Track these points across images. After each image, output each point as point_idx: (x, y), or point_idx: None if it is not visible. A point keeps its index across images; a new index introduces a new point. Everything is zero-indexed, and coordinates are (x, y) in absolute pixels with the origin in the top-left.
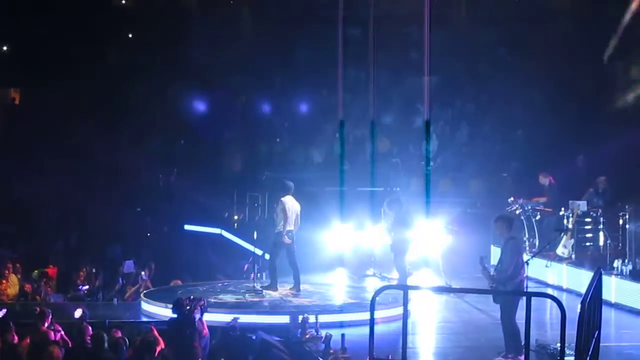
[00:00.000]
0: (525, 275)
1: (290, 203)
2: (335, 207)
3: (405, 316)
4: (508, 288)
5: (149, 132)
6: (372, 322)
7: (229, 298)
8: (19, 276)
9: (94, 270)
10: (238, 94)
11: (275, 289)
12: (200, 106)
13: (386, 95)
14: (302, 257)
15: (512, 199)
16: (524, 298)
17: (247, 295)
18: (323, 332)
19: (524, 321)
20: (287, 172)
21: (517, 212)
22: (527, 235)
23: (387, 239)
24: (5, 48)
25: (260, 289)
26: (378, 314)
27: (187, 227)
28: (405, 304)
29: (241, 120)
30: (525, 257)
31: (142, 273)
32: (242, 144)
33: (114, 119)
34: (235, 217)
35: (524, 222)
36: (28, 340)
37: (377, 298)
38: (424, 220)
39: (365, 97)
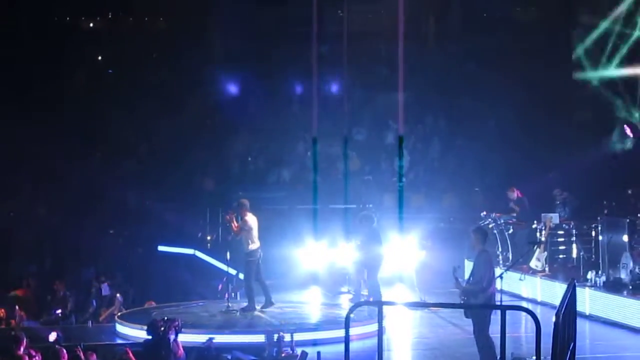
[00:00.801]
0: (495, 288)
1: (252, 220)
2: (308, 225)
3: (380, 332)
4: (479, 301)
5: (120, 154)
6: (347, 339)
7: (203, 318)
8: None
9: (67, 293)
10: (208, 113)
11: (254, 310)
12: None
13: (358, 112)
14: (275, 275)
15: (484, 213)
16: (497, 312)
17: (221, 314)
18: (299, 350)
19: (499, 335)
20: (259, 190)
21: (490, 225)
22: (500, 249)
23: (357, 256)
24: None
25: (238, 310)
26: (353, 331)
27: (160, 248)
28: (380, 320)
29: (212, 139)
30: (499, 270)
31: (118, 295)
32: (214, 162)
33: (86, 142)
34: (208, 238)
35: (497, 235)
36: None
37: (351, 315)
38: (398, 235)
39: (338, 114)
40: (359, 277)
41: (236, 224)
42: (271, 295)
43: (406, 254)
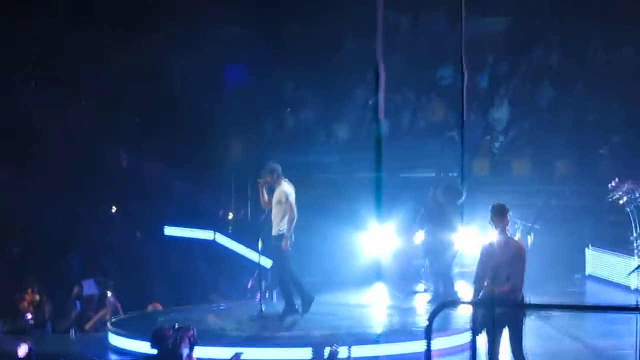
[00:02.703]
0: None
1: (290, 192)
2: (370, 201)
3: (473, 347)
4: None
5: (113, 103)
6: (428, 356)
7: (228, 326)
8: None
9: (42, 292)
10: (235, 48)
11: (295, 314)
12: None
13: (440, 44)
14: (325, 269)
15: (614, 183)
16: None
17: (252, 321)
18: None
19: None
20: (303, 154)
21: (622, 201)
22: (636, 232)
23: (424, 239)
24: None
25: (274, 316)
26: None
27: (168, 231)
28: (475, 330)
29: (239, 87)
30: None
31: (110, 295)
32: (242, 118)
33: (68, 86)
34: (231, 217)
35: (632, 214)
36: None
37: (433, 322)
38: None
39: (409, 45)
40: (440, 271)
41: (266, 197)
42: (307, 290)
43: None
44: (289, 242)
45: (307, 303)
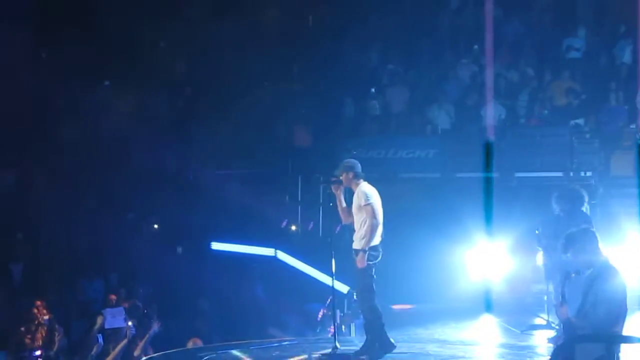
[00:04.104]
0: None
1: (372, 195)
2: (477, 209)
3: None
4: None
5: (147, 83)
6: None
7: None
8: None
9: (54, 322)
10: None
11: (379, 354)
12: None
13: (567, 4)
14: (421, 295)
15: None
16: None
17: None
18: None
19: None
20: (390, 147)
21: None
22: None
23: (544, 259)
24: None
25: (352, 355)
26: None
27: (216, 246)
28: None
29: (312, 59)
30: None
31: (130, 324)
32: (313, 100)
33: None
34: (294, 228)
35: None
36: None
37: None
38: (637, 227)
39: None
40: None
41: (343, 204)
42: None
43: None
44: (366, 258)
45: (384, 349)
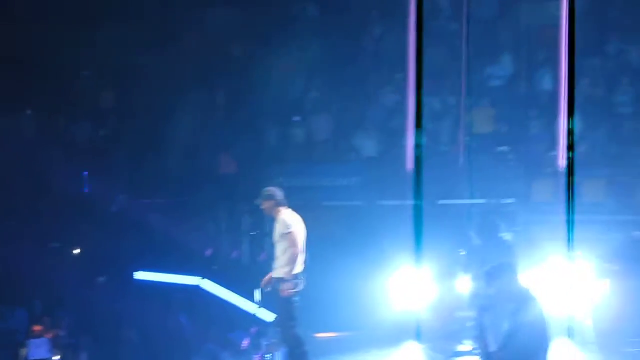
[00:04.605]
0: None
1: (293, 223)
2: (401, 236)
3: None
4: None
5: (68, 112)
6: None
7: None
8: None
9: None
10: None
11: None
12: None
13: (490, 34)
14: (345, 323)
15: None
16: None
17: None
18: None
19: None
20: (314, 175)
21: None
22: None
23: (470, 289)
24: None
25: None
26: None
27: (139, 275)
28: None
29: (236, 87)
30: None
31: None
32: (237, 128)
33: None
34: (221, 256)
35: None
36: None
37: None
38: (560, 253)
39: (451, 35)
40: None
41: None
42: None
43: (576, 285)
44: (288, 287)
45: None
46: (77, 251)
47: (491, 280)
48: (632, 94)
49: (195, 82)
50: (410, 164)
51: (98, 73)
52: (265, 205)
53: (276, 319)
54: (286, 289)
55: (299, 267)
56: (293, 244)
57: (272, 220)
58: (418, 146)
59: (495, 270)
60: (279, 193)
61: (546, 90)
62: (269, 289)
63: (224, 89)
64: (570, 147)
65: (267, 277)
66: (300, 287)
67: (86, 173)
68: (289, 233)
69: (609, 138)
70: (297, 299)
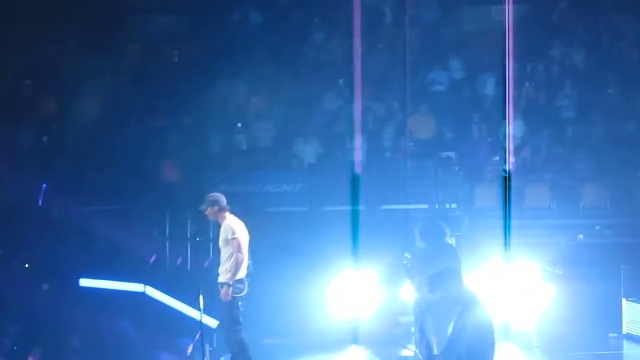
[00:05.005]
0: None
1: (237, 228)
2: (343, 242)
3: None
4: None
5: (9, 114)
6: None
7: None
8: None
9: None
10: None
11: None
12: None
13: (432, 39)
14: (288, 327)
15: None
16: None
17: None
18: None
19: None
20: (257, 181)
21: None
22: None
23: (413, 296)
24: None
25: None
26: None
27: (84, 282)
28: None
29: (178, 93)
30: None
31: None
32: (180, 135)
33: None
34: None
35: None
36: None
37: None
38: (501, 258)
39: (393, 40)
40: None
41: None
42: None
43: (519, 289)
44: (231, 290)
45: None
46: (21, 258)
47: (434, 286)
48: (575, 98)
49: (137, 89)
50: (353, 169)
51: (40, 81)
52: (209, 211)
53: (220, 323)
54: (229, 294)
55: (242, 272)
56: (238, 249)
57: (217, 225)
58: (360, 151)
59: (438, 276)
60: (222, 199)
61: (488, 95)
62: (229, 298)
63: (166, 95)
64: (510, 152)
65: (223, 291)
66: (244, 292)
67: (45, 185)
68: (234, 239)
69: (551, 142)
70: (241, 303)
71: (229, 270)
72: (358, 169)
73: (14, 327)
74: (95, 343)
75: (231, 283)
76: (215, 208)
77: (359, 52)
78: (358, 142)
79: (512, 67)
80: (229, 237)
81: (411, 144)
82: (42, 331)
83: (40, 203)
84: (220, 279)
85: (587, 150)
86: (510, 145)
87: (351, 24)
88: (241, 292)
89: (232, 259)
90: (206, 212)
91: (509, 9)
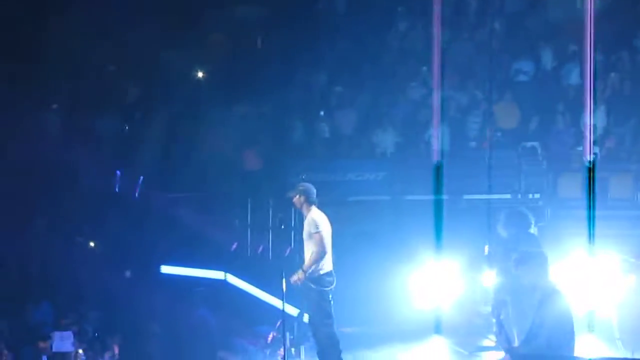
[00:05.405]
0: None
1: (321, 222)
2: (425, 231)
3: None
4: None
5: (91, 103)
6: None
7: None
8: None
9: (2, 351)
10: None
11: None
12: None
13: (518, 28)
14: (369, 317)
15: None
16: None
17: None
18: None
19: None
20: (340, 170)
21: None
22: None
23: (494, 281)
24: None
25: None
26: None
27: (165, 269)
28: None
29: (261, 81)
30: None
31: (80, 352)
32: (263, 121)
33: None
34: (246, 251)
35: None
36: None
37: None
38: (584, 248)
39: (478, 29)
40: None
41: None
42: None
43: (601, 281)
44: (303, 277)
45: None
46: (103, 245)
47: (523, 263)
48: None
49: (221, 76)
50: (436, 158)
51: (124, 68)
52: (296, 199)
53: (310, 318)
54: (301, 279)
55: (328, 265)
56: (320, 244)
57: (299, 215)
58: (440, 140)
59: (526, 256)
60: (312, 191)
61: (573, 85)
62: (298, 283)
63: (250, 83)
64: (594, 142)
65: (295, 275)
66: (334, 285)
67: (119, 172)
68: (317, 233)
69: (636, 133)
70: (331, 296)
71: (312, 265)
72: (436, 158)
73: (94, 313)
74: (175, 330)
75: (307, 269)
76: (303, 198)
77: (439, 41)
78: (436, 130)
79: (596, 57)
80: (312, 230)
81: (499, 134)
82: (123, 317)
83: (116, 190)
84: (310, 274)
85: None
86: (591, 136)
87: (435, 13)
88: (330, 285)
89: (313, 253)
90: (293, 200)
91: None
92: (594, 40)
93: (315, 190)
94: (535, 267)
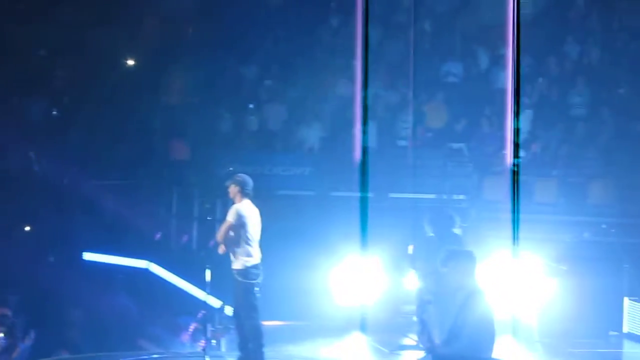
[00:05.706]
0: None
1: (250, 213)
2: (350, 227)
3: None
4: None
5: (20, 85)
6: None
7: None
8: None
9: None
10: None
11: None
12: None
13: (447, 29)
14: (292, 312)
15: None
16: None
17: None
18: None
19: None
20: (266, 163)
21: None
22: None
23: (420, 283)
24: None
25: None
26: None
27: (88, 256)
28: None
29: (191, 71)
30: None
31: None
32: (191, 111)
33: None
34: (170, 241)
35: None
36: None
37: None
38: (507, 251)
39: (408, 29)
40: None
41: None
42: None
43: (523, 283)
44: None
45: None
46: (25, 229)
47: (450, 261)
48: (587, 95)
49: (150, 64)
50: (362, 156)
51: (53, 52)
52: (232, 189)
53: (235, 310)
54: (245, 280)
55: (256, 258)
56: (219, 232)
57: (225, 205)
58: (370, 138)
59: (455, 253)
60: (248, 183)
61: (501, 89)
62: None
63: (179, 72)
64: (520, 146)
65: None
66: (260, 278)
67: (33, 152)
68: (227, 222)
69: (562, 139)
70: (257, 289)
71: (239, 259)
72: (358, 155)
73: (15, 299)
74: (96, 317)
75: (244, 270)
76: (238, 188)
77: (364, 38)
78: (359, 128)
79: (526, 62)
80: (228, 217)
81: (429, 134)
82: (44, 304)
83: (35, 170)
84: (235, 266)
85: (597, 148)
86: (515, 139)
87: (358, 9)
88: (257, 278)
89: (239, 249)
90: (229, 189)
91: (513, 4)
92: (521, 45)
93: (251, 184)
94: (463, 265)
